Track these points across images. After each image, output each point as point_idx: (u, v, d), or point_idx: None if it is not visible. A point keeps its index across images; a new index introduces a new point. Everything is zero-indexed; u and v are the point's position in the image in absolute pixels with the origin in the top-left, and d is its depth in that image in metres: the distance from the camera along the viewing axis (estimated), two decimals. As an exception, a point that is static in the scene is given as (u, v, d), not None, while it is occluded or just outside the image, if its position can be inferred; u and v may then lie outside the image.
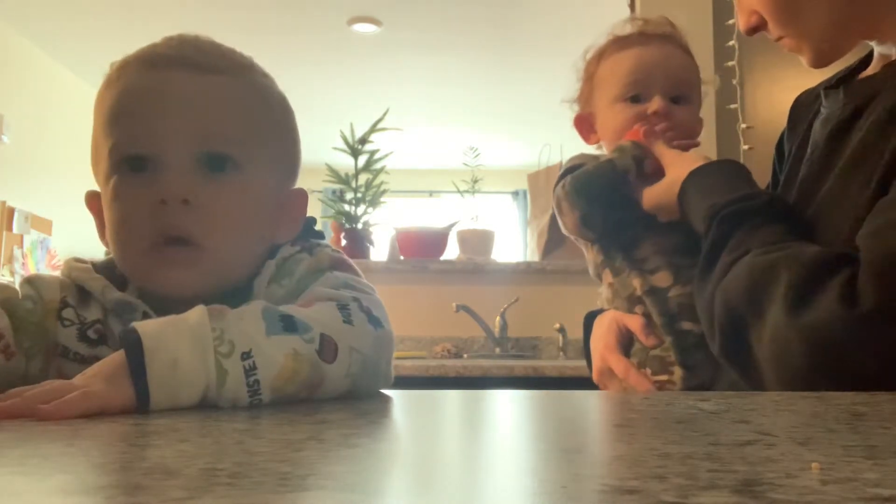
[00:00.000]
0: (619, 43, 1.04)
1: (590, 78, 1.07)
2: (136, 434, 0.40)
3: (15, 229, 4.19)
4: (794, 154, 0.93)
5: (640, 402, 0.55)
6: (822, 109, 0.89)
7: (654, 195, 0.94)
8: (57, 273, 0.70)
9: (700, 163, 0.90)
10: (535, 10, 3.85)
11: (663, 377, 0.95)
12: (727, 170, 0.89)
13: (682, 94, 1.02)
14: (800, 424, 0.42)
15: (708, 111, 2.60)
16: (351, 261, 0.69)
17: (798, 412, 0.48)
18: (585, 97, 1.08)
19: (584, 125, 1.08)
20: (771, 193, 0.86)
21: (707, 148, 2.58)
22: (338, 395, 0.57)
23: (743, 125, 2.47)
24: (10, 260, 4.14)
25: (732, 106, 2.49)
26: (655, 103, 0.99)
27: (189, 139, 0.62)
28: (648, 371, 0.96)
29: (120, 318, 0.66)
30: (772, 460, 0.30)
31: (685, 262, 0.94)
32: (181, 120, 0.62)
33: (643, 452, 0.32)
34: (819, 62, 0.87)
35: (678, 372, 0.94)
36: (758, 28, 0.87)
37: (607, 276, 1.01)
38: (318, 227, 0.75)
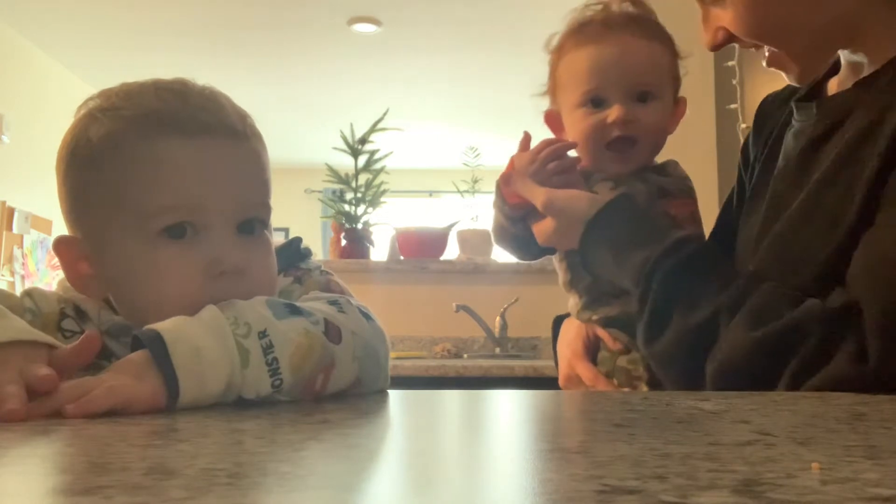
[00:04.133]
0: (576, 37, 0.97)
1: (553, 73, 1.01)
2: (136, 434, 0.40)
3: (15, 229, 4.19)
4: (762, 163, 0.92)
5: (640, 402, 0.55)
6: (794, 122, 0.88)
7: (544, 236, 0.92)
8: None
9: (579, 204, 0.88)
10: (535, 10, 3.85)
11: (627, 390, 0.93)
12: (623, 213, 0.87)
13: (647, 90, 0.95)
14: (800, 424, 0.42)
15: (708, 111, 2.61)
16: (340, 281, 0.70)
17: (798, 412, 0.48)
18: (552, 93, 1.02)
19: (555, 123, 1.03)
20: (690, 234, 0.84)
21: (707, 148, 2.58)
22: (348, 383, 0.59)
23: (743, 125, 2.47)
24: (10, 260, 4.14)
25: (732, 106, 2.49)
26: (615, 112, 0.93)
27: (231, 208, 0.62)
28: (615, 382, 0.94)
29: (116, 340, 0.66)
30: (772, 460, 0.30)
31: None
32: (226, 190, 0.62)
33: (643, 452, 0.32)
34: (806, 78, 0.85)
35: (643, 388, 0.92)
36: (724, 44, 0.84)
37: (574, 296, 0.99)
38: (314, 234, 0.76)
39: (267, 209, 0.66)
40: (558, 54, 1.00)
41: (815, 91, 0.89)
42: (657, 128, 0.97)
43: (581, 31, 0.98)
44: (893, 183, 0.71)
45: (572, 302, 1.00)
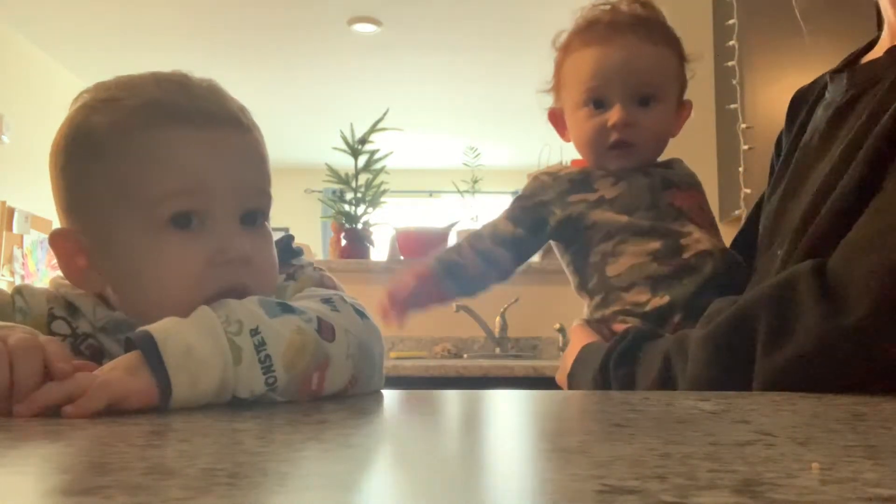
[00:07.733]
0: (583, 36, 0.98)
1: (558, 71, 1.02)
2: (136, 434, 0.40)
3: (15, 229, 4.19)
4: (791, 142, 0.91)
5: (640, 402, 0.55)
6: (826, 94, 0.87)
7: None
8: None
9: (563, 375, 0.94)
10: (535, 10, 3.85)
11: None
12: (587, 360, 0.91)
13: (650, 93, 0.95)
14: (800, 424, 0.42)
15: (708, 111, 2.61)
16: (333, 277, 0.71)
17: (798, 412, 0.48)
18: (556, 90, 1.03)
19: (559, 121, 1.03)
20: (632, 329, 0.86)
21: (707, 148, 2.58)
22: (345, 382, 0.58)
23: (743, 125, 2.46)
24: (10, 260, 4.14)
25: (732, 106, 2.49)
26: (615, 115, 0.94)
27: (236, 196, 0.62)
28: None
29: (112, 336, 0.65)
30: (772, 460, 0.30)
31: (662, 272, 0.92)
32: (231, 176, 0.62)
33: (643, 452, 0.32)
34: None
35: None
36: None
37: (586, 297, 0.99)
38: (314, 234, 0.76)
39: (268, 199, 0.66)
40: (564, 52, 1.00)
41: (849, 64, 0.87)
42: (657, 131, 0.97)
43: (588, 31, 0.98)
44: None
45: (586, 304, 1.01)
